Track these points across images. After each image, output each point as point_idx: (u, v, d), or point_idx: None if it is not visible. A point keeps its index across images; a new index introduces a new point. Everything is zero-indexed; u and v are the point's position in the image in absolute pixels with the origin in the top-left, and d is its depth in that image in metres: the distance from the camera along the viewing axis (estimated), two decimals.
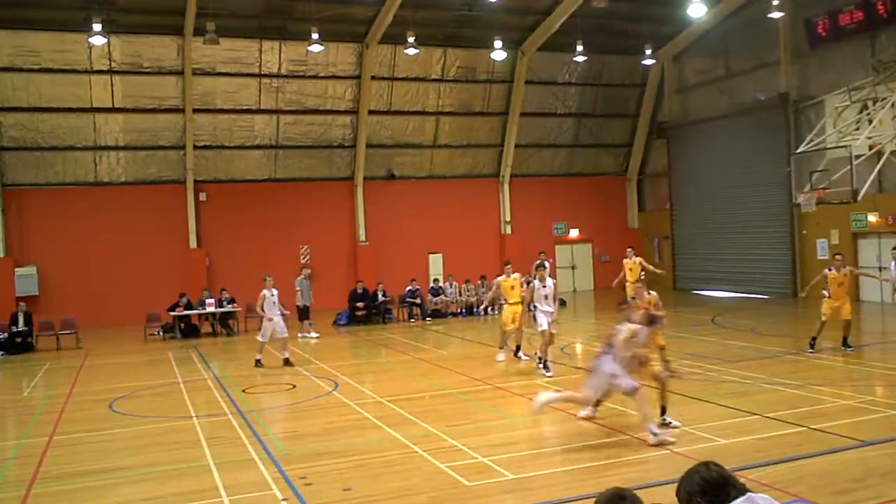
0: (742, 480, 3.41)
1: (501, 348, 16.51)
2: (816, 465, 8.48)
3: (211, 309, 23.86)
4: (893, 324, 17.46)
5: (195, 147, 28.12)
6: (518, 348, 16.40)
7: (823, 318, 15.48)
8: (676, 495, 3.34)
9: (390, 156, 31.22)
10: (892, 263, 15.92)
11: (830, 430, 9.80)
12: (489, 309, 24.00)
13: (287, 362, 16.84)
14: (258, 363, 16.91)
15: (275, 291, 17.23)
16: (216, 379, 15.95)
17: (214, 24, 23.35)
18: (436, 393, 13.68)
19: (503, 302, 16.89)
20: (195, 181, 28.42)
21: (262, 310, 17.02)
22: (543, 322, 14.81)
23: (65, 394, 14.96)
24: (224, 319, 24.22)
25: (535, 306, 15.00)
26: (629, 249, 20.30)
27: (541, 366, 14.73)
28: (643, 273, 19.25)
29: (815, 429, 9.89)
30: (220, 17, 24.07)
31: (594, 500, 3.26)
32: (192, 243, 28.41)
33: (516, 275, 16.55)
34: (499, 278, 16.83)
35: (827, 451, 8.93)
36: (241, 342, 22.66)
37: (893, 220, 23.32)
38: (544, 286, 14.99)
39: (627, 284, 19.16)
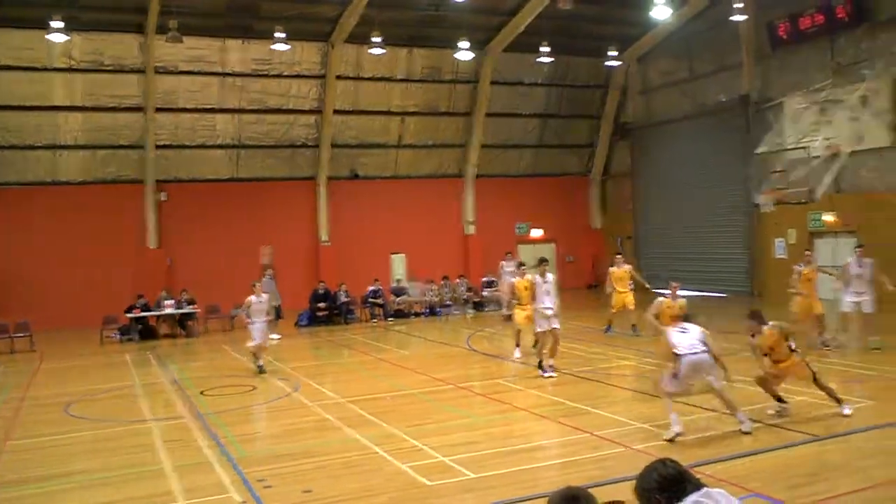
0: (699, 476, 3.42)
1: (517, 345, 16.42)
2: (771, 460, 8.60)
3: (169, 310, 23.54)
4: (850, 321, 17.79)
5: (156, 146, 27.75)
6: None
7: (796, 317, 15.65)
8: (634, 492, 3.34)
9: (354, 156, 31.08)
10: (851, 260, 16.14)
11: (786, 425, 9.95)
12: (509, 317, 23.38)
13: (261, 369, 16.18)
14: (261, 369, 16.11)
15: (263, 297, 16.87)
16: (174, 381, 15.74)
17: (177, 22, 23.09)
18: (397, 393, 13.64)
19: (516, 304, 16.22)
20: (156, 181, 28.05)
21: (248, 316, 16.53)
22: (543, 323, 14.40)
23: (19, 398, 14.65)
24: (183, 321, 23.92)
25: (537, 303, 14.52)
26: (618, 256, 20.01)
27: (541, 371, 14.37)
28: (632, 282, 19.16)
29: (770, 424, 10.02)
30: (183, 15, 23.76)
31: (547, 499, 3.25)
32: (152, 244, 28.03)
33: (529, 276, 15.92)
34: (513, 279, 16.52)
35: (782, 446, 9.06)
36: (200, 344, 22.40)
37: (850, 219, 23.71)
38: (545, 281, 14.51)
39: (616, 294, 19.06)
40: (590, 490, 3.27)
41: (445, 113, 31.66)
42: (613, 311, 19.07)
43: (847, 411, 10.22)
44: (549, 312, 14.38)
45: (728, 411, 9.95)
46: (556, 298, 14.60)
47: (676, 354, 9.95)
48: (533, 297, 14.72)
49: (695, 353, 9.85)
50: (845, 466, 8.27)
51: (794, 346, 10.49)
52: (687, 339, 10.01)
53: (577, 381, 13.80)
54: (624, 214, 34.15)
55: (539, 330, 14.58)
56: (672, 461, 3.36)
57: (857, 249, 16.15)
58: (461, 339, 20.67)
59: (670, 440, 9.41)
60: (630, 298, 18.80)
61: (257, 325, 16.44)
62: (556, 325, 14.48)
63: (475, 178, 32.67)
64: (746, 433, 9.58)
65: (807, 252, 16.81)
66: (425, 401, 12.87)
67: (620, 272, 19.09)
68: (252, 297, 16.64)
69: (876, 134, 22.31)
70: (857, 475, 7.93)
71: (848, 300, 15.74)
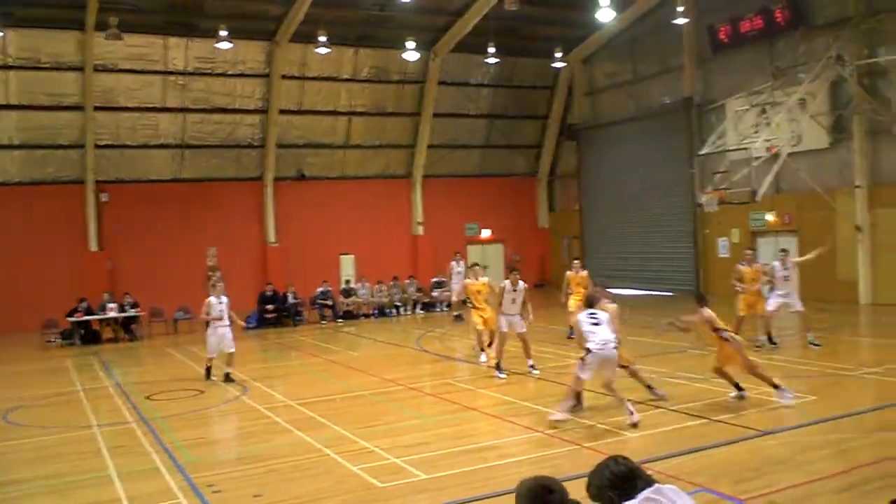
0: (648, 472, 3.46)
1: (483, 350, 15.84)
2: (717, 455, 8.76)
3: (112, 314, 23.04)
4: (787, 318, 18.22)
5: (96, 146, 27.10)
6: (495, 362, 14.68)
7: (741, 314, 16.04)
8: (587, 490, 3.36)
9: (301, 156, 30.80)
10: (776, 264, 16.60)
11: (731, 421, 10.14)
12: (458, 317, 23.24)
13: (227, 378, 15.00)
14: (208, 372, 15.40)
15: (224, 299, 15.29)
16: (118, 386, 15.41)
17: (117, 19, 22.59)
18: (347, 395, 13.56)
19: (470, 305, 16.05)
20: (96, 181, 27.38)
21: (207, 314, 15.18)
22: (504, 325, 14.25)
23: None
24: (127, 324, 23.44)
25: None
26: (575, 262, 19.69)
27: (497, 372, 14.22)
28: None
29: (716, 420, 10.21)
30: (122, 11, 23.29)
31: (516, 488, 3.25)
32: (93, 246, 27.35)
33: (485, 278, 15.83)
34: (465, 280, 16.33)
35: (727, 441, 9.23)
36: (144, 347, 21.98)
37: (790, 219, 24.36)
38: (515, 290, 14.17)
39: (573, 297, 18.88)
40: None
41: (392, 113, 31.58)
42: (571, 312, 18.92)
43: (787, 401, 10.52)
44: (515, 319, 14.21)
45: (619, 403, 10.34)
46: (528, 304, 14.40)
47: (588, 349, 10.27)
48: (500, 303, 14.40)
49: (605, 349, 10.24)
50: (789, 460, 8.47)
51: (727, 336, 10.99)
52: (601, 332, 10.34)
53: (527, 380, 13.89)
54: (571, 214, 34.49)
55: (500, 330, 14.40)
56: (624, 458, 3.40)
57: (781, 254, 16.63)
58: (411, 339, 20.65)
59: (555, 422, 10.05)
60: None
61: (220, 332, 15.10)
62: (523, 330, 14.29)
63: (423, 178, 32.66)
64: (633, 425, 9.92)
65: (747, 252, 17.22)
66: (376, 402, 12.82)
67: (578, 277, 18.73)
68: (211, 299, 15.21)
69: (814, 136, 22.95)
70: (800, 469, 8.13)
71: (773, 301, 16.15)
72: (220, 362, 15.57)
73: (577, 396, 10.91)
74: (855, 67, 21.72)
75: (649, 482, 3.33)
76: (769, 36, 24.53)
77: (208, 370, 15.60)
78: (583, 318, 10.61)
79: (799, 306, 15.98)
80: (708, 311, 11.07)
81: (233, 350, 15.42)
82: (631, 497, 3.28)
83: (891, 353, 14.85)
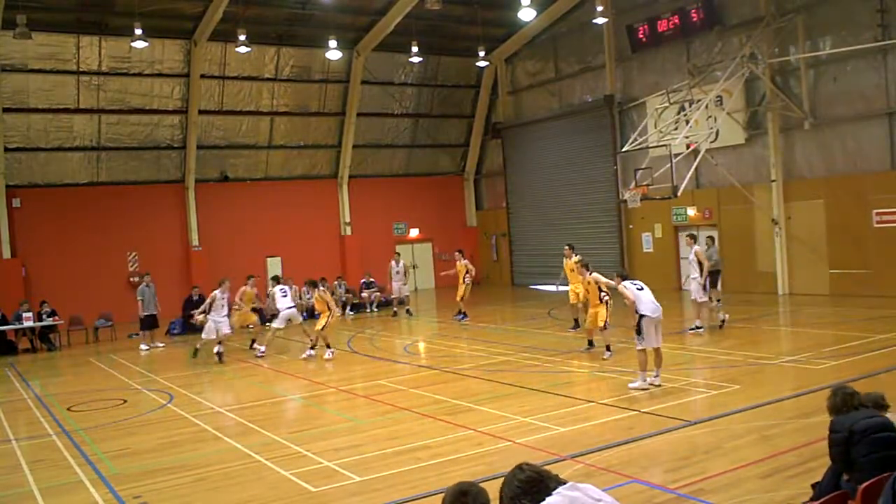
0: (579, 465, 3.47)
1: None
2: (647, 446, 8.93)
3: (29, 323, 22.18)
4: (709, 310, 18.72)
5: (6, 149, 26.03)
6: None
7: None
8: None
9: (223, 157, 30.22)
10: (691, 255, 17.20)
11: (659, 412, 10.35)
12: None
13: (220, 357, 17.84)
14: (220, 356, 17.89)
15: (227, 294, 18.37)
16: (37, 398, 14.84)
17: (25, 16, 21.72)
18: (277, 399, 13.36)
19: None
20: (7, 186, 26.29)
21: (209, 309, 17.99)
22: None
23: None
24: (44, 334, 22.59)
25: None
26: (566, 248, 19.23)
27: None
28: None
29: (644, 412, 10.40)
30: (31, 9, 22.40)
31: (442, 497, 3.24)
32: (6, 253, 26.26)
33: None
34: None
35: (656, 432, 9.41)
36: (64, 357, 21.21)
37: (710, 213, 25.03)
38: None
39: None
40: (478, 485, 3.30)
41: (316, 113, 31.26)
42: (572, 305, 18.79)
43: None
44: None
45: None
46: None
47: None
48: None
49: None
50: (716, 449, 8.68)
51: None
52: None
53: (459, 379, 13.93)
54: (498, 212, 34.74)
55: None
56: (528, 464, 3.40)
57: (687, 237, 17.46)
58: (341, 341, 20.46)
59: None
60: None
61: (219, 321, 18.00)
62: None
63: (349, 178, 32.44)
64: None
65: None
66: (307, 406, 12.67)
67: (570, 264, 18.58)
68: (216, 293, 18.10)
69: (731, 132, 23.65)
70: (727, 456, 8.34)
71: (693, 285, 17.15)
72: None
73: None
74: (767, 65, 22.43)
75: (560, 482, 3.35)
76: (686, 35, 25.13)
77: (219, 354, 18.05)
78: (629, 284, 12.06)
79: (695, 293, 16.87)
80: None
81: (230, 332, 18.57)
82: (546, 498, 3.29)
83: (807, 341, 15.40)
